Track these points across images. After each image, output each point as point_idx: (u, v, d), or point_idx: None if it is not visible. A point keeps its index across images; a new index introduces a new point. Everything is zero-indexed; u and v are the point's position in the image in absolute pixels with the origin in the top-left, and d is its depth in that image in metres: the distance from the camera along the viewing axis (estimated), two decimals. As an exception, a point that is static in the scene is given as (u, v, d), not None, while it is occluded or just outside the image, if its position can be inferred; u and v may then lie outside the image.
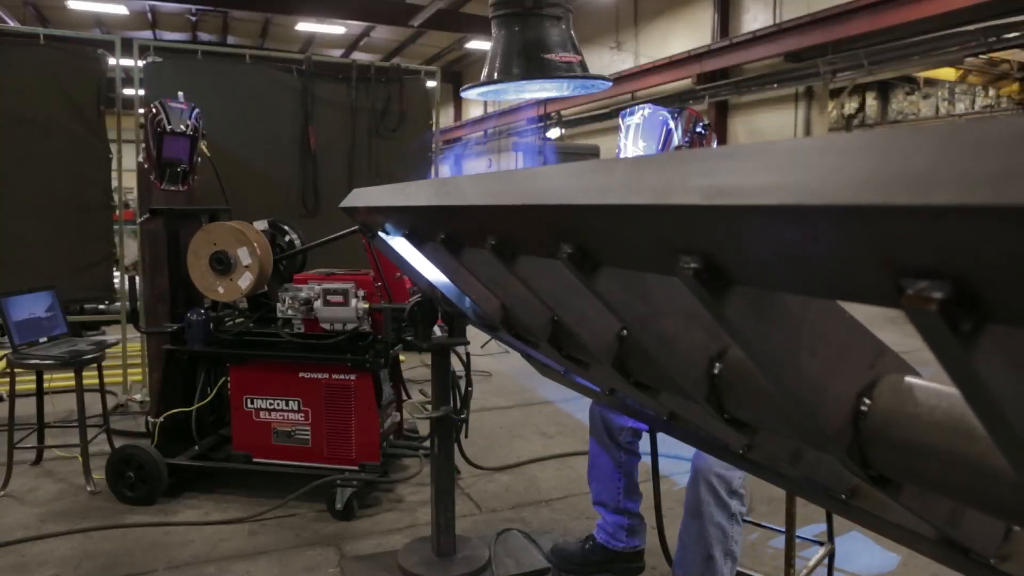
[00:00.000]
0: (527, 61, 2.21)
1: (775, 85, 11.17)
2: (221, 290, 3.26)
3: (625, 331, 1.03)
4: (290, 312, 3.18)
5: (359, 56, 17.98)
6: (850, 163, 0.42)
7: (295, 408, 3.28)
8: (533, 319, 1.21)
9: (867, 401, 0.66)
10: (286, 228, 3.69)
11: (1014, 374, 0.42)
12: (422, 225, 1.32)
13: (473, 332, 2.65)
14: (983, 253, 0.37)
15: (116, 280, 5.23)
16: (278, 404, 3.29)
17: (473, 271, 1.19)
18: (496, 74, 2.24)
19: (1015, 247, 0.35)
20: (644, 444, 2.51)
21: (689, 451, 2.26)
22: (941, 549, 0.74)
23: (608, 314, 0.97)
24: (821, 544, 2.30)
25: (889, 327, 1.10)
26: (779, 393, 0.68)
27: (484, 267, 1.13)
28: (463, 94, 2.45)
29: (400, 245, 1.56)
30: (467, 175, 1.26)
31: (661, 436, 2.43)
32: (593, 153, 14.81)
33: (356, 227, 2.14)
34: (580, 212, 0.69)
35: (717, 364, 0.84)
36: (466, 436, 3.32)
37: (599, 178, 0.68)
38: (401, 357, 4.13)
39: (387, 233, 1.57)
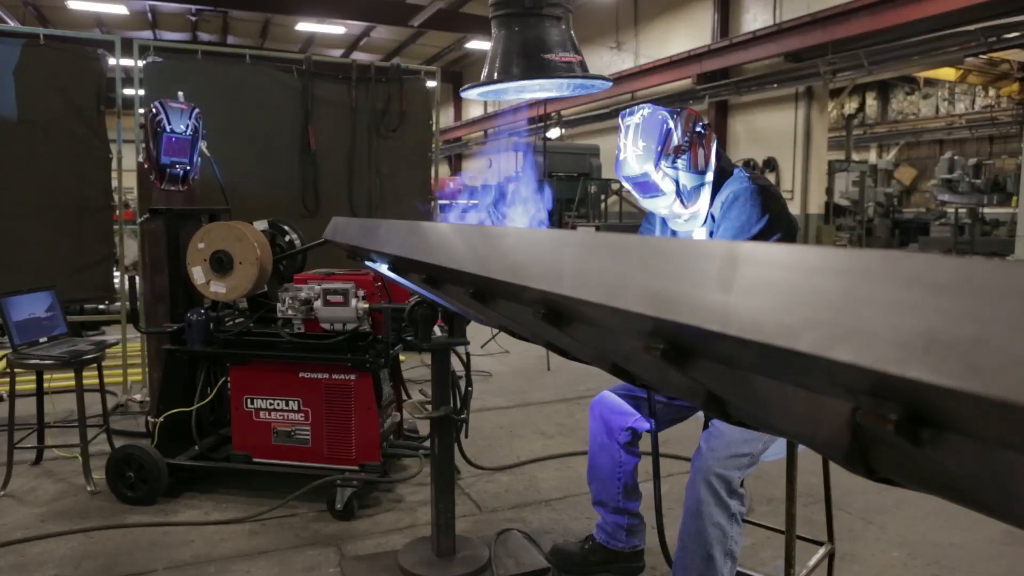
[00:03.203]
0: (527, 61, 2.21)
1: (775, 85, 11.17)
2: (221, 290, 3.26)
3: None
4: (290, 312, 3.18)
5: (359, 56, 17.98)
6: (787, 299, 0.43)
7: (295, 408, 3.28)
8: (529, 333, 1.21)
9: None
10: (286, 228, 3.69)
11: (983, 465, 0.42)
12: (401, 265, 1.33)
13: (473, 332, 2.65)
14: (919, 399, 0.38)
15: (116, 280, 5.23)
16: (278, 404, 3.29)
17: (459, 301, 1.19)
18: (496, 74, 2.23)
19: (944, 406, 0.36)
20: (644, 444, 2.51)
21: (689, 451, 2.26)
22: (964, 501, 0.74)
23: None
24: (821, 544, 2.30)
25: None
26: (772, 421, 0.67)
27: (467, 301, 1.14)
28: (463, 94, 2.44)
29: (387, 271, 1.58)
30: (434, 224, 1.27)
31: (661, 436, 2.43)
32: (593, 153, 14.80)
33: None
34: (534, 293, 0.69)
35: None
36: (466, 436, 3.32)
37: (553, 259, 0.67)
38: (401, 357, 4.13)
39: (372, 261, 1.59)
